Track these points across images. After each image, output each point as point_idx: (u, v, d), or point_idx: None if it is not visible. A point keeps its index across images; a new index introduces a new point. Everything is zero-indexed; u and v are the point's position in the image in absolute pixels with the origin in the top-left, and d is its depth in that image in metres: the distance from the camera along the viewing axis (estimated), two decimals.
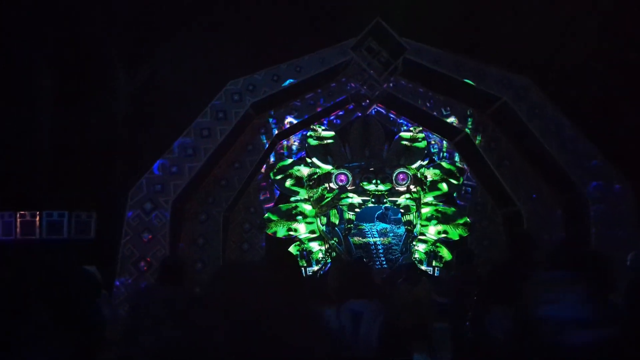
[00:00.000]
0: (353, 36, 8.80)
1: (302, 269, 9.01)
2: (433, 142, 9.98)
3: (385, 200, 8.75)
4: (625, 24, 10.23)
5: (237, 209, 9.59)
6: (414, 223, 8.86)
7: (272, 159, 9.78)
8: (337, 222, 8.80)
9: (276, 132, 9.41)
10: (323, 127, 9.44)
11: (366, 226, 9.31)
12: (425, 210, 9.30)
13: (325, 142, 9.28)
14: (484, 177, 9.72)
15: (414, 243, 9.10)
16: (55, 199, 9.28)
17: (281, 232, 9.17)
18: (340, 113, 9.97)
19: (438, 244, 9.30)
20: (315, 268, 9.07)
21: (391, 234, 9.24)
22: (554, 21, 10.58)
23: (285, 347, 1.44)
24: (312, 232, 9.24)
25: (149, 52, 10.73)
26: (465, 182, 9.81)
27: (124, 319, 3.65)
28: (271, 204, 9.61)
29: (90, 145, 10.13)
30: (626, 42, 10.31)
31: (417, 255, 9.17)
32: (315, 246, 9.19)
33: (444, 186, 9.42)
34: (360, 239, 9.14)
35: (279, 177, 9.30)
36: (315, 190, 9.07)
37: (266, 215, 9.26)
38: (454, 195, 9.69)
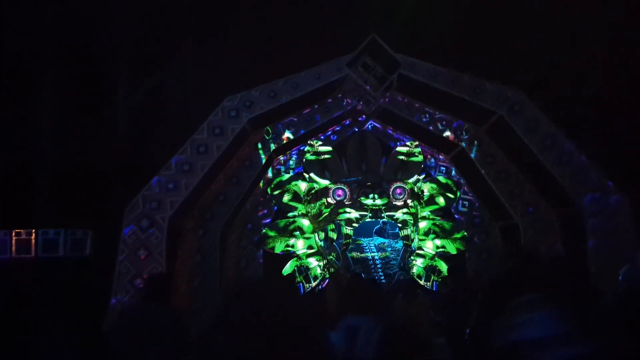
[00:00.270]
0: (349, 52, 8.88)
1: (301, 284, 8.99)
2: (429, 157, 10.03)
3: (382, 215, 8.75)
4: (621, 38, 10.36)
5: (235, 225, 9.57)
6: (412, 237, 8.85)
7: (269, 175, 9.80)
8: (335, 237, 8.79)
9: (273, 147, 9.44)
10: (320, 143, 9.47)
11: (364, 241, 9.30)
12: (422, 225, 9.30)
13: (322, 157, 9.30)
14: (481, 191, 9.75)
15: (412, 257, 9.09)
16: (51, 216, 9.24)
17: (279, 247, 9.14)
18: (337, 128, 10.03)
19: (436, 259, 9.29)
20: (314, 284, 9.03)
21: (389, 249, 9.23)
22: (549, 36, 10.70)
23: None
24: (310, 247, 9.21)
25: (147, 70, 10.78)
26: (462, 196, 9.85)
27: (108, 339, 3.61)
28: (269, 220, 9.60)
29: (86, 162, 10.11)
30: (621, 56, 10.44)
31: (415, 270, 9.15)
32: (313, 262, 9.16)
33: (441, 200, 9.43)
34: (359, 254, 9.12)
35: (276, 192, 9.30)
36: (313, 205, 9.07)
37: (264, 230, 9.24)
38: (451, 209, 9.72)
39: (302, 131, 9.53)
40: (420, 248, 9.24)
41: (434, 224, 9.41)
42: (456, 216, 9.83)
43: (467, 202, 9.96)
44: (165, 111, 10.51)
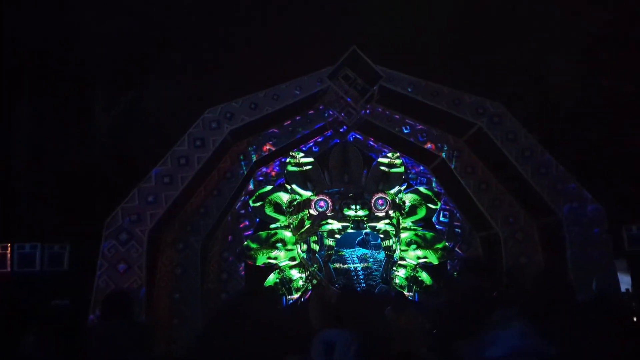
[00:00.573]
0: (330, 65, 8.93)
1: (283, 297, 8.93)
2: (411, 168, 10.10)
3: (364, 226, 8.75)
4: (599, 51, 10.60)
5: (216, 238, 9.49)
6: (394, 248, 8.87)
7: (251, 186, 9.76)
8: (317, 248, 8.75)
9: (255, 159, 9.41)
10: (302, 154, 9.47)
11: (346, 252, 9.28)
12: (404, 235, 9.33)
13: (304, 168, 9.28)
14: (462, 201, 9.85)
15: (394, 268, 9.10)
16: (27, 230, 9.07)
17: (261, 260, 9.08)
18: (319, 140, 10.05)
19: (418, 269, 9.31)
20: (296, 296, 8.97)
21: (371, 260, 9.22)
22: (527, 49, 10.92)
23: None
24: (293, 259, 9.17)
25: (127, 82, 10.70)
26: (443, 206, 9.92)
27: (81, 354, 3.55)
28: (250, 232, 9.54)
29: (64, 174, 9.96)
30: (600, 69, 10.68)
31: (397, 281, 9.16)
32: (295, 274, 9.11)
33: (422, 211, 9.49)
34: (341, 265, 9.10)
35: (258, 204, 9.25)
36: (295, 217, 9.04)
37: (245, 243, 9.17)
38: (432, 219, 9.78)
39: (284, 143, 9.54)
40: (402, 259, 9.26)
41: (416, 235, 9.45)
42: (437, 226, 9.90)
43: (447, 213, 10.04)
44: (145, 123, 10.42)
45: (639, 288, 8.82)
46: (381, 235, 8.85)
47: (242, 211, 9.73)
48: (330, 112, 9.45)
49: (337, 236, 8.70)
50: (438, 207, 9.64)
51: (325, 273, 8.65)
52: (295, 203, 9.14)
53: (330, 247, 8.69)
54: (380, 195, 8.92)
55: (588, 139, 10.35)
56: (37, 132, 10.41)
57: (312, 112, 9.55)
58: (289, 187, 9.32)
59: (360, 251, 9.32)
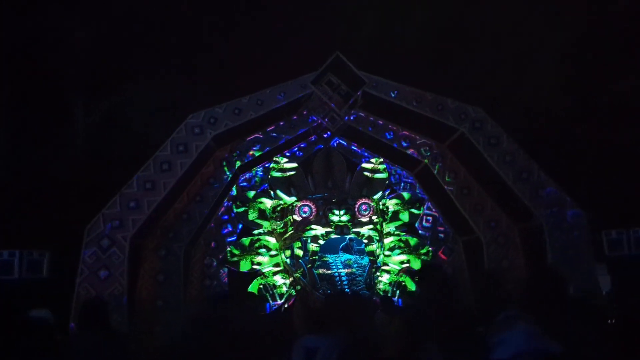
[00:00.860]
0: (314, 70, 8.95)
1: (267, 303, 8.88)
2: (394, 173, 10.15)
3: (348, 231, 8.76)
4: (579, 56, 10.77)
5: (199, 244, 9.42)
6: (377, 253, 8.89)
7: (234, 192, 9.71)
8: (301, 254, 8.74)
9: (238, 164, 9.37)
10: (285, 159, 9.46)
11: (330, 258, 9.27)
12: (388, 240, 9.36)
13: (288, 174, 9.27)
14: (444, 206, 9.91)
15: (378, 274, 9.11)
16: (5, 237, 8.90)
17: (244, 266, 9.02)
18: (303, 145, 10.04)
19: (402, 274, 9.34)
20: (280, 302, 8.93)
21: (355, 265, 9.23)
22: (509, 55, 11.06)
23: None
24: (276, 265, 9.13)
25: (109, 88, 10.60)
26: (426, 211, 9.98)
27: None
28: (234, 238, 9.49)
29: (43, 180, 9.81)
30: (580, 74, 10.84)
31: (381, 286, 9.17)
32: (279, 279, 9.07)
33: (406, 216, 9.52)
34: (325, 270, 9.08)
35: (241, 210, 9.21)
36: (279, 222, 9.02)
37: (229, 249, 9.11)
38: (415, 224, 9.83)
39: (268, 148, 9.51)
40: (385, 264, 9.28)
41: (399, 240, 9.48)
42: (420, 232, 9.94)
43: (430, 218, 10.10)
44: (127, 129, 10.32)
45: (620, 292, 8.94)
46: (365, 241, 8.87)
47: (226, 217, 9.68)
48: (314, 118, 9.45)
49: (321, 242, 8.70)
50: (421, 212, 9.69)
51: (309, 279, 8.64)
52: (279, 209, 9.11)
53: (314, 253, 8.68)
54: (363, 200, 8.94)
55: (569, 144, 10.50)
56: (16, 138, 10.24)
57: (296, 117, 9.55)
58: (272, 192, 9.30)
59: (344, 257, 9.32)
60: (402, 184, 10.18)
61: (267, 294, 8.90)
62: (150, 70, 10.71)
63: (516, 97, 10.79)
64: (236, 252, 9.03)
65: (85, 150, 10.44)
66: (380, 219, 9.05)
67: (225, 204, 9.67)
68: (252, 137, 9.45)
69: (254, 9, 11.23)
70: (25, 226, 9.37)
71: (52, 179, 9.86)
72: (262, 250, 9.11)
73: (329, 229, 8.65)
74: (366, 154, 10.06)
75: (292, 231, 8.79)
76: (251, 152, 9.43)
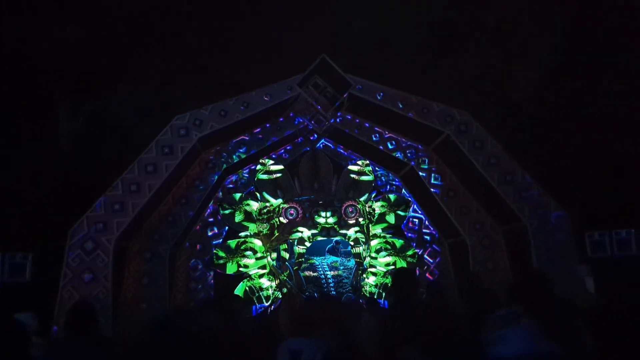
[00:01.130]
0: (300, 72, 8.95)
1: (253, 306, 8.85)
2: (380, 175, 10.18)
3: (334, 234, 8.76)
4: (563, 60, 10.89)
5: (184, 246, 9.36)
6: (364, 255, 8.90)
7: (220, 194, 9.67)
8: (287, 256, 8.72)
9: (224, 166, 9.34)
10: (272, 161, 9.44)
11: (317, 260, 9.26)
12: (374, 243, 9.38)
13: (274, 176, 9.26)
14: (430, 208, 9.96)
15: (364, 276, 9.13)
16: None
17: (231, 268, 8.98)
18: (289, 147, 10.04)
19: (388, 276, 9.36)
20: (266, 304, 8.91)
21: (342, 267, 9.23)
22: (493, 59, 11.15)
23: None
24: (263, 267, 9.11)
25: (93, 90, 10.51)
26: (412, 214, 10.02)
27: None
28: (220, 240, 9.45)
29: (26, 182, 9.69)
30: (564, 77, 10.97)
31: (367, 288, 9.19)
32: (265, 282, 9.05)
33: (392, 218, 9.56)
34: (311, 273, 9.07)
35: (227, 212, 9.17)
36: (265, 225, 8.99)
37: (215, 251, 9.07)
38: (402, 226, 9.87)
39: (254, 150, 9.50)
40: (372, 266, 9.30)
41: (386, 242, 9.51)
42: (406, 234, 9.99)
43: (416, 220, 10.15)
44: (112, 130, 10.24)
45: (602, 293, 9.04)
46: (351, 243, 8.88)
47: (211, 219, 9.64)
48: (301, 120, 9.46)
49: (307, 244, 8.69)
50: (407, 214, 9.74)
51: (295, 281, 8.62)
52: (265, 211, 9.09)
53: (300, 255, 8.67)
54: (350, 202, 8.95)
55: (552, 146, 10.61)
56: (0, 139, 10.10)
57: (282, 119, 9.55)
58: (259, 194, 9.28)
59: (331, 259, 9.32)
60: (388, 186, 10.22)
61: (254, 297, 8.87)
62: (136, 71, 10.63)
63: (500, 100, 10.89)
64: (222, 254, 8.99)
65: (69, 152, 10.33)
66: (367, 221, 9.07)
67: (211, 206, 9.63)
68: (238, 139, 9.43)
69: (240, 11, 11.22)
70: (7, 228, 9.24)
71: (35, 181, 9.74)
72: (249, 253, 9.07)
73: (315, 231, 8.65)
74: (352, 156, 10.08)
75: (279, 233, 8.78)
76: (237, 154, 9.40)
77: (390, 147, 9.74)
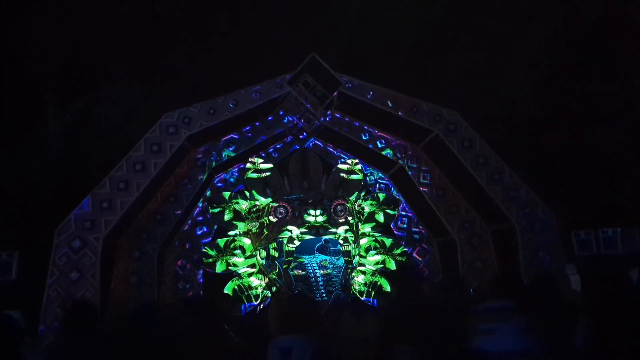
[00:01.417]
0: (290, 71, 8.94)
1: (242, 304, 8.83)
2: (369, 174, 10.20)
3: (323, 232, 8.77)
4: (550, 60, 10.98)
5: (173, 245, 9.31)
6: (353, 254, 8.92)
7: (209, 193, 9.63)
8: (276, 255, 8.71)
9: (213, 165, 9.30)
10: (261, 160, 9.42)
11: (306, 258, 9.26)
12: (363, 241, 9.40)
13: (263, 174, 9.23)
14: (419, 207, 10.00)
15: (354, 274, 9.14)
16: None
17: (220, 267, 8.95)
18: (278, 146, 10.02)
19: (377, 275, 9.38)
20: (255, 303, 8.89)
21: (331, 266, 9.24)
22: (483, 60, 11.22)
23: None
24: (252, 266, 9.09)
25: (81, 87, 10.42)
26: (401, 213, 10.05)
27: None
28: (209, 239, 9.41)
29: (12, 180, 9.59)
30: (551, 77, 11.06)
31: (356, 287, 9.20)
32: (254, 281, 9.03)
33: (381, 217, 9.58)
34: (301, 271, 9.07)
35: (217, 210, 9.13)
36: (254, 223, 8.97)
37: (204, 250, 9.03)
38: (391, 225, 9.89)
39: (243, 149, 9.46)
40: (361, 265, 9.32)
41: (375, 241, 9.53)
42: (396, 232, 10.01)
43: (405, 219, 10.17)
44: (100, 128, 10.16)
45: (590, 292, 9.13)
46: (340, 242, 8.89)
47: (200, 218, 9.59)
48: (290, 119, 9.44)
49: (297, 242, 8.69)
50: (396, 213, 9.76)
51: (284, 280, 8.62)
52: (254, 210, 9.07)
53: (289, 254, 8.66)
54: (339, 201, 8.96)
55: (539, 146, 10.70)
56: None
57: (272, 118, 9.52)
58: (248, 193, 9.25)
59: (320, 257, 9.32)
60: (378, 185, 10.23)
61: (243, 295, 8.86)
62: (124, 70, 10.56)
63: (488, 100, 10.96)
64: (211, 253, 8.95)
65: (56, 150, 10.23)
66: (356, 220, 9.08)
67: (200, 205, 9.58)
68: (227, 137, 9.39)
69: (229, 9, 11.18)
70: None
71: (21, 179, 9.64)
72: (238, 252, 9.05)
73: (304, 230, 8.65)
74: (342, 155, 10.09)
75: (268, 232, 8.76)
76: (226, 153, 9.36)
77: (379, 145, 9.75)
